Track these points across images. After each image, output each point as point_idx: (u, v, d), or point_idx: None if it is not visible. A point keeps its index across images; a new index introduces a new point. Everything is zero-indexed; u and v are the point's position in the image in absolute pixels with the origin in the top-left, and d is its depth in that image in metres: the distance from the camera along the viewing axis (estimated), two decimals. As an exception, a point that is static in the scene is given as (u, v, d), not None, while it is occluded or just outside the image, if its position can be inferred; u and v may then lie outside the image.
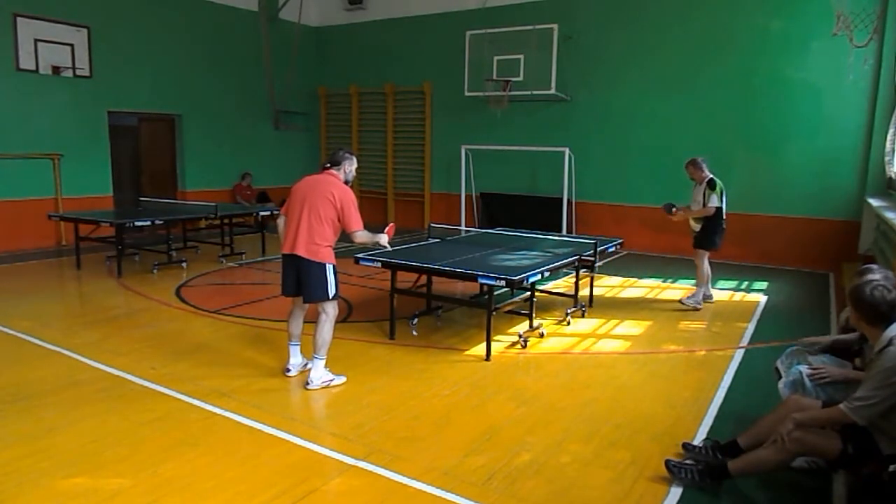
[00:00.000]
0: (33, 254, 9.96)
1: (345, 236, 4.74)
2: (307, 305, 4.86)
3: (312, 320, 4.83)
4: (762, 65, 10.02)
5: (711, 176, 7.19)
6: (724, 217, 7.25)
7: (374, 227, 5.07)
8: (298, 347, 4.96)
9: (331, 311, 4.70)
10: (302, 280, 4.62)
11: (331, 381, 4.73)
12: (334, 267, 4.64)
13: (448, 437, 3.95)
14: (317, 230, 4.53)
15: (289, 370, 4.94)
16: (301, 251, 4.53)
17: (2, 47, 9.90)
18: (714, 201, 7.04)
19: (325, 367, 4.73)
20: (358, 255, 5.85)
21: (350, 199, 4.59)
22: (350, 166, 4.78)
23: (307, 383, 4.68)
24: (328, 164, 4.74)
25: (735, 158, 10.39)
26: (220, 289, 8.00)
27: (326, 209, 4.53)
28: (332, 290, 4.62)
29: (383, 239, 4.90)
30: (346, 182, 4.74)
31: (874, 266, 3.67)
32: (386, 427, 4.09)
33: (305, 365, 4.95)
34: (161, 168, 12.76)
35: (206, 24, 12.71)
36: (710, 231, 7.20)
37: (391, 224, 5.15)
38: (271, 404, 4.35)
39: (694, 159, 7.33)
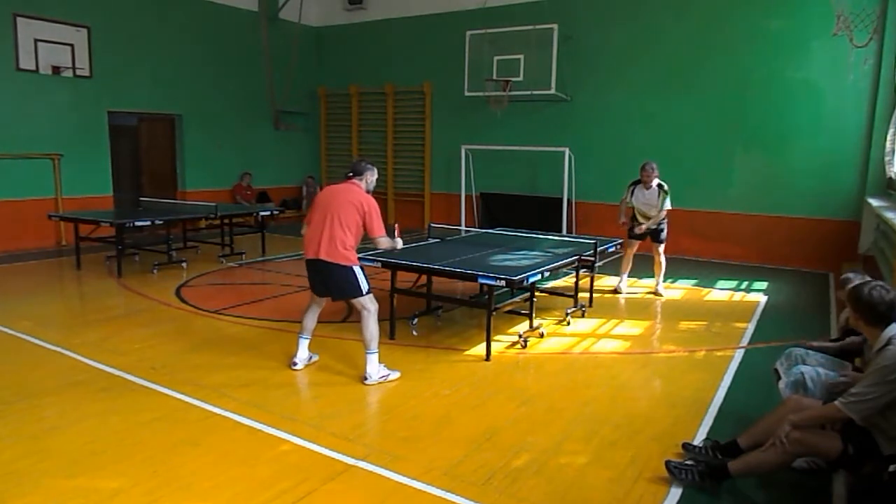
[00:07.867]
0: (33, 254, 9.96)
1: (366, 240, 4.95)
2: (324, 302, 5.10)
3: (327, 319, 4.95)
4: (762, 65, 10.02)
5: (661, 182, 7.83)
6: None
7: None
8: (307, 342, 5.09)
9: (370, 305, 4.85)
10: (327, 282, 4.84)
11: (387, 375, 4.83)
12: (361, 268, 4.86)
13: (448, 437, 3.94)
14: (338, 236, 4.70)
15: (294, 364, 5.05)
16: (323, 255, 4.71)
17: (2, 47, 9.89)
18: (668, 205, 7.77)
19: (380, 362, 4.84)
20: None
21: (375, 207, 4.87)
22: (371, 176, 5.02)
23: (364, 378, 4.78)
24: (350, 174, 4.94)
25: (735, 158, 10.41)
26: (220, 289, 7.99)
27: (351, 216, 4.73)
28: (364, 287, 4.82)
29: (399, 243, 5.23)
30: (368, 192, 4.96)
31: (850, 275, 3.74)
32: (386, 427, 4.10)
33: (310, 359, 5.13)
34: (161, 168, 12.75)
35: (206, 24, 12.70)
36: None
37: (396, 225, 5.58)
38: (271, 404, 4.35)
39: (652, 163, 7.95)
